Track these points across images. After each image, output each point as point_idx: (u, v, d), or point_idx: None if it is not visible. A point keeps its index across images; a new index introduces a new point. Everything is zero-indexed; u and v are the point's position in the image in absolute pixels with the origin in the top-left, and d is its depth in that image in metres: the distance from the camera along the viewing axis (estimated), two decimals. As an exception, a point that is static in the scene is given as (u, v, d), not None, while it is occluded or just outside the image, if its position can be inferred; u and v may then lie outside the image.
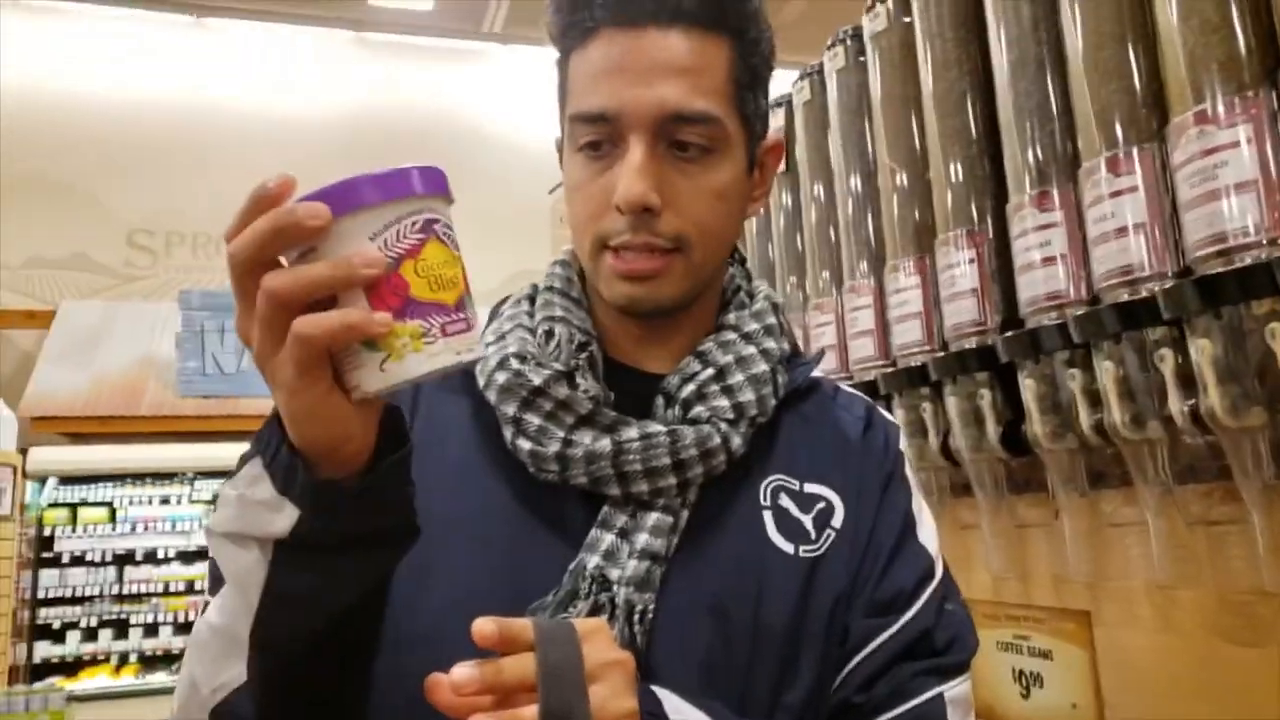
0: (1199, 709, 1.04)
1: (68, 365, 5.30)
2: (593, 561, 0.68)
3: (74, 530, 5.12)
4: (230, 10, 6.18)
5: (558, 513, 0.71)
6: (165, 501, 5.23)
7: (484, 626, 0.53)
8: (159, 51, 6.11)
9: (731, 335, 0.77)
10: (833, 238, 1.60)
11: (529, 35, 6.31)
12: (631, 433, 0.70)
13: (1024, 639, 1.29)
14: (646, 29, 0.68)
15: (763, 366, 0.75)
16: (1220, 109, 0.89)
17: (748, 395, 0.73)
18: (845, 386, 0.85)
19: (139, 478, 5.23)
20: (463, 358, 0.51)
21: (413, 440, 0.58)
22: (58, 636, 5.03)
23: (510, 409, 0.71)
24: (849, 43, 1.53)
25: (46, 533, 5.08)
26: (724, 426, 0.71)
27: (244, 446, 0.59)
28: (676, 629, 0.68)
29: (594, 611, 0.66)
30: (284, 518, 0.53)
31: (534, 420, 0.70)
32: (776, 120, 1.76)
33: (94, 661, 5.04)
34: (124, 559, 5.16)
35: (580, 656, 0.54)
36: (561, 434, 0.70)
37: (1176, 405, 0.94)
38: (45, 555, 5.07)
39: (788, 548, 0.72)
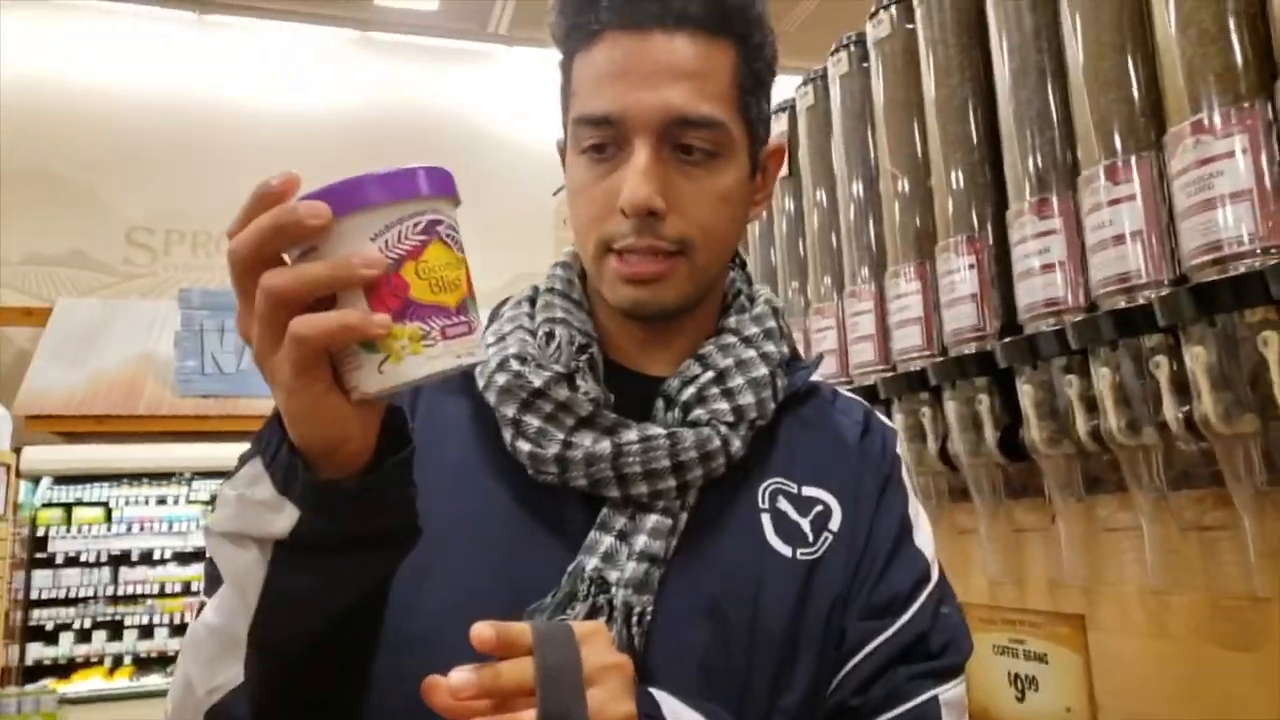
0: (1191, 713, 1.05)
1: (64, 363, 5.29)
2: (591, 563, 0.68)
3: (68, 530, 5.09)
4: (234, 8, 6.18)
5: (557, 514, 0.72)
6: (162, 502, 5.20)
7: (482, 631, 0.53)
8: (162, 48, 6.11)
9: (732, 339, 0.77)
10: (834, 243, 1.61)
11: (534, 36, 6.33)
12: (631, 435, 0.70)
13: (1019, 643, 1.30)
14: (652, 33, 0.68)
15: (763, 370, 0.75)
16: (1216, 119, 0.91)
17: (747, 398, 0.73)
18: (844, 391, 0.86)
19: (135, 478, 5.21)
20: (463, 361, 0.51)
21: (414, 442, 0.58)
22: (51, 638, 5.00)
23: (510, 410, 0.71)
24: (852, 48, 1.54)
25: (40, 533, 5.04)
26: (723, 429, 0.71)
27: (243, 447, 0.59)
28: (674, 631, 0.69)
29: (592, 613, 0.67)
30: (284, 518, 0.53)
31: (533, 422, 0.71)
32: (780, 125, 1.78)
33: (87, 663, 5.01)
34: (119, 560, 5.14)
35: (579, 659, 0.54)
36: (561, 436, 0.70)
37: (1171, 411, 0.95)
38: (39, 556, 5.03)
39: (785, 551, 0.73)
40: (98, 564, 5.09)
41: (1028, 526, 1.29)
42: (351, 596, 0.57)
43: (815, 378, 0.83)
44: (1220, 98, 0.91)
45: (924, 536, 0.79)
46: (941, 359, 1.29)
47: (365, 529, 0.55)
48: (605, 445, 0.69)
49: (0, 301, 5.67)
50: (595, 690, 0.54)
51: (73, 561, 5.07)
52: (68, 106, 5.85)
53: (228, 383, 5.31)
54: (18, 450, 4.88)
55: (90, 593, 5.07)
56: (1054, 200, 1.11)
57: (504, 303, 0.83)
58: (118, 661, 5.07)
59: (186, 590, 5.13)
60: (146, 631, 5.12)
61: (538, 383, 0.70)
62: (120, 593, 5.11)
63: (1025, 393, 1.14)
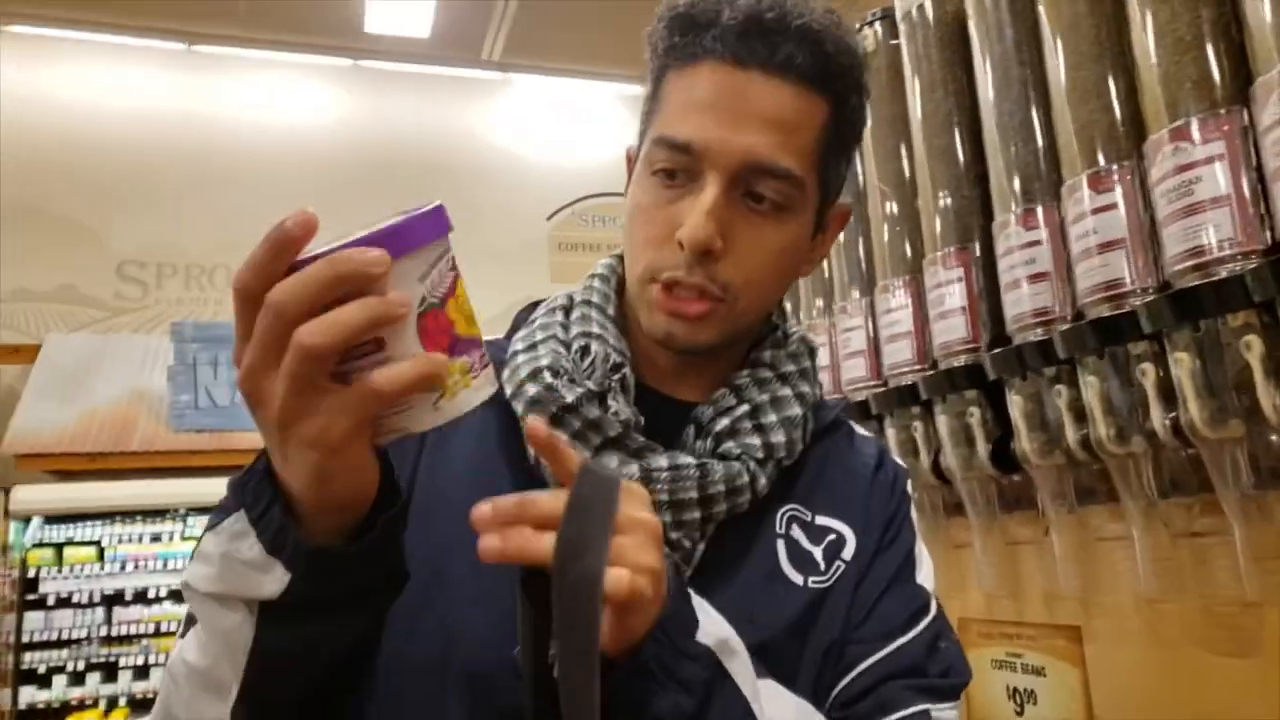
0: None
1: (54, 400, 5.24)
2: None
3: (60, 571, 5.04)
4: (223, 39, 6.20)
5: None
6: (156, 539, 5.15)
7: (535, 424, 0.55)
8: (150, 80, 6.10)
9: (768, 373, 0.76)
10: (826, 260, 1.62)
11: (527, 63, 6.37)
12: (660, 461, 0.69)
13: (1017, 656, 1.29)
14: (753, 72, 0.67)
15: (797, 410, 0.75)
16: (1194, 127, 0.92)
17: (779, 437, 0.72)
18: (859, 429, 0.86)
19: (128, 515, 5.16)
20: (493, 388, 0.52)
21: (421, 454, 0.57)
22: (44, 681, 4.92)
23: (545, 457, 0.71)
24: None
25: (31, 574, 4.98)
26: (752, 465, 0.71)
27: (239, 480, 0.56)
28: None
29: None
30: (273, 580, 0.51)
31: (560, 437, 0.70)
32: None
33: (82, 706, 4.92)
34: (113, 599, 5.08)
35: (616, 500, 0.53)
36: (587, 454, 0.69)
37: (1158, 419, 0.95)
38: (30, 597, 4.97)
39: (798, 579, 0.73)
40: (91, 604, 5.02)
41: (1022, 539, 1.29)
42: (343, 646, 0.57)
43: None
44: (1197, 106, 0.93)
45: (925, 574, 0.79)
46: (932, 372, 1.29)
47: (361, 584, 0.54)
48: (633, 469, 0.68)
49: (-15, 339, 5.64)
50: (623, 538, 0.53)
51: (65, 602, 5.00)
52: (55, 139, 5.84)
53: (222, 416, 5.28)
54: (7, 490, 4.83)
55: (84, 634, 4.99)
56: (1039, 211, 1.12)
57: (532, 306, 0.82)
58: (113, 704, 4.99)
59: (182, 628, 5.06)
60: (142, 672, 5.05)
61: (570, 398, 0.69)
62: (114, 633, 5.04)
63: (1015, 404, 1.15)
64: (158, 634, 5.11)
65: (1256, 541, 0.92)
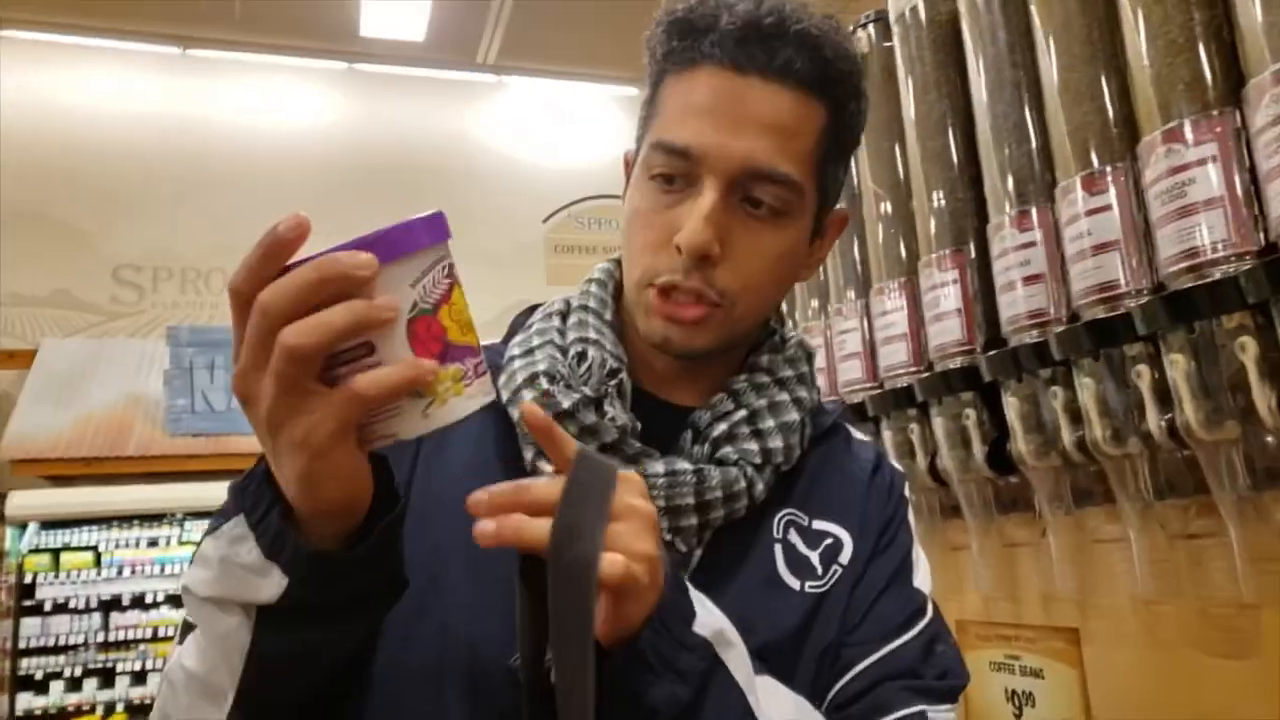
0: (1187, 722, 1.04)
1: (50, 405, 5.23)
2: None
3: (56, 576, 5.03)
4: (217, 43, 6.19)
5: None
6: (153, 544, 5.13)
7: (533, 409, 0.55)
8: (145, 84, 6.10)
9: (765, 378, 0.76)
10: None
11: (522, 66, 6.38)
12: (657, 467, 0.69)
13: (1015, 659, 1.29)
14: (751, 78, 0.67)
15: (794, 415, 0.74)
16: (1187, 128, 0.92)
17: (777, 442, 0.72)
18: (856, 433, 0.86)
19: (125, 520, 5.15)
20: (489, 397, 0.52)
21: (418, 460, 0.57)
22: (41, 687, 4.90)
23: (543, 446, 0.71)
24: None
25: (28, 579, 4.97)
26: (750, 471, 0.71)
27: (236, 485, 0.57)
28: None
29: None
30: (270, 584, 0.51)
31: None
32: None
33: (79, 712, 4.91)
34: (110, 605, 5.07)
35: (612, 487, 0.53)
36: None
37: (1154, 420, 0.95)
38: (26, 603, 4.96)
39: (794, 584, 0.73)
40: (87, 610, 5.01)
41: (1019, 541, 1.29)
42: (341, 652, 0.57)
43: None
44: (1190, 107, 0.93)
45: (923, 578, 0.78)
46: (928, 374, 1.29)
47: (355, 591, 0.54)
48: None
49: (-20, 344, 5.63)
50: (619, 524, 0.53)
51: (61, 608, 4.98)
52: (50, 144, 5.83)
53: (218, 420, 5.28)
54: (3, 496, 4.82)
55: (80, 639, 4.98)
56: (1033, 212, 1.12)
57: (529, 311, 0.82)
58: (110, 709, 4.98)
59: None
60: (139, 678, 5.03)
61: (566, 404, 0.69)
62: (111, 638, 5.02)
63: (1011, 405, 1.14)
64: (155, 639, 5.10)
65: (1253, 543, 0.92)
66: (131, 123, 6.01)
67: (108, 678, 5.03)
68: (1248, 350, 0.86)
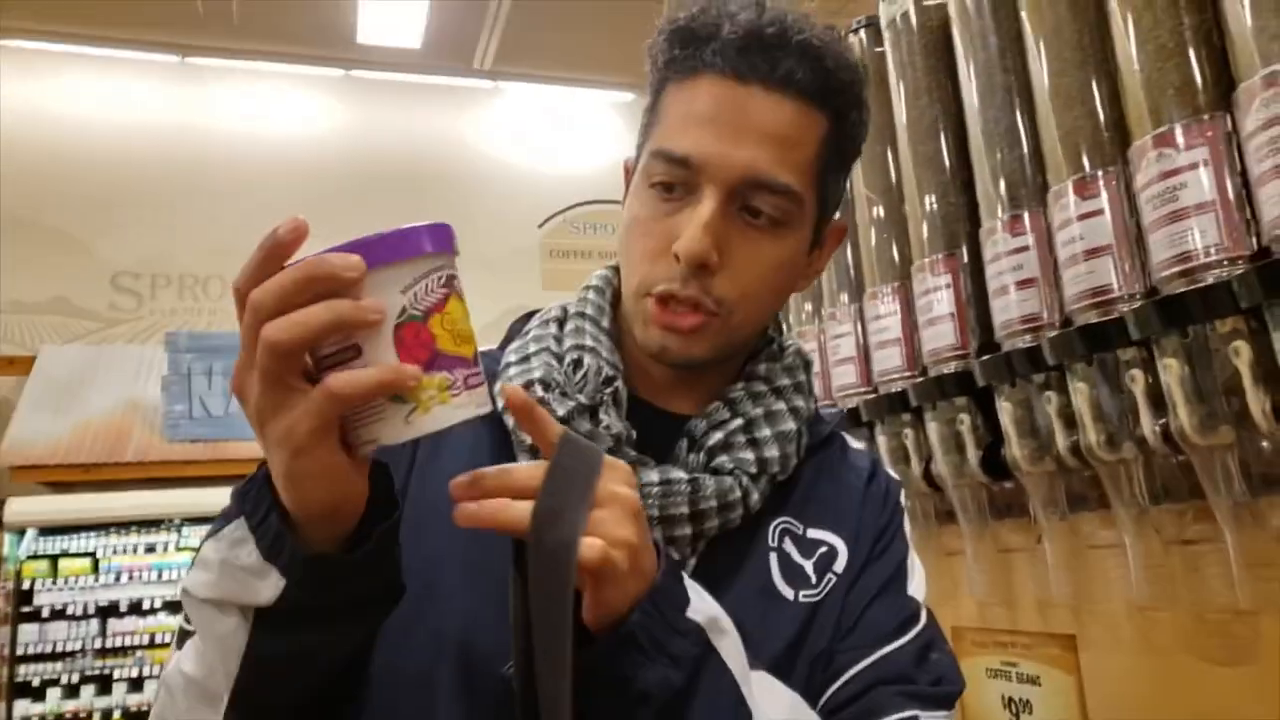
0: (1184, 729, 1.04)
1: (48, 412, 5.24)
2: None
3: (54, 582, 5.02)
4: (215, 50, 6.20)
5: None
6: (151, 550, 5.13)
7: (514, 390, 0.56)
8: (144, 92, 6.11)
9: (762, 387, 0.76)
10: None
11: (519, 71, 6.39)
12: (652, 476, 0.68)
13: (1012, 665, 1.28)
14: (753, 87, 0.67)
15: (791, 425, 0.74)
16: (1178, 133, 0.92)
17: (773, 452, 0.72)
18: (852, 441, 0.86)
19: (123, 526, 5.14)
20: (481, 409, 0.52)
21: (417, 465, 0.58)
22: (38, 694, 4.90)
23: (529, 437, 0.70)
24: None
25: (25, 586, 4.97)
26: (745, 480, 0.70)
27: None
28: None
29: None
30: (269, 586, 0.52)
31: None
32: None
33: (76, 719, 4.92)
34: (107, 611, 5.06)
35: (596, 472, 0.53)
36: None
37: (1148, 425, 0.95)
38: (24, 610, 4.96)
39: (788, 593, 0.72)
40: (85, 616, 5.00)
41: (1014, 547, 1.28)
42: (338, 656, 0.57)
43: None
44: (1180, 112, 0.92)
45: (917, 585, 0.78)
46: (921, 379, 1.29)
47: (355, 594, 0.54)
48: None
49: (-21, 351, 5.63)
50: (601, 511, 0.53)
51: (59, 614, 4.98)
52: (49, 151, 5.84)
53: (216, 426, 5.28)
54: (1, 502, 4.81)
55: (78, 646, 4.97)
56: (1025, 217, 1.12)
57: (527, 317, 0.81)
58: (107, 716, 4.96)
59: (178, 639, 5.04)
60: (136, 684, 5.02)
61: (561, 412, 0.69)
62: (109, 645, 5.02)
63: (1005, 410, 1.14)
64: (153, 645, 5.09)
65: (1249, 548, 0.92)
66: (130, 130, 6.02)
67: (105, 685, 5.02)
68: (1241, 355, 0.86)
